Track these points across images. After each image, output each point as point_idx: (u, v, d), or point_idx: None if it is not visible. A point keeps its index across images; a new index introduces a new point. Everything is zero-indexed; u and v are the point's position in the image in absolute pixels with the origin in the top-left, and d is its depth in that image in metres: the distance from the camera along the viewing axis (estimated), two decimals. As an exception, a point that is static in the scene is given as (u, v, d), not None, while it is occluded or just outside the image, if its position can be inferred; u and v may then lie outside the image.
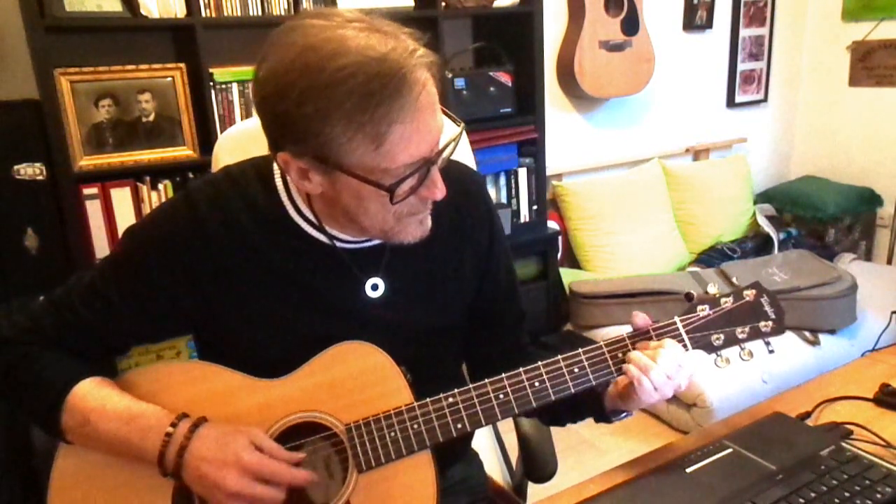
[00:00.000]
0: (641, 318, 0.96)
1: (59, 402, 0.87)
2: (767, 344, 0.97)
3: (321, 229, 0.93)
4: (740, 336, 0.96)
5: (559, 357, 0.92)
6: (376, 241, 0.96)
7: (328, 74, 0.74)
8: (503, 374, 0.91)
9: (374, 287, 0.97)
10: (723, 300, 0.96)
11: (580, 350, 0.92)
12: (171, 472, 0.85)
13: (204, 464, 0.83)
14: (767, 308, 0.97)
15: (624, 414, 0.99)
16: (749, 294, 0.97)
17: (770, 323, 0.96)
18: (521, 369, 0.91)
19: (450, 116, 0.87)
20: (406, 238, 0.89)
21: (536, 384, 0.91)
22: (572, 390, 0.91)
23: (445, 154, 0.85)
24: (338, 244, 0.94)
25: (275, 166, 0.94)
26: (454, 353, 1.11)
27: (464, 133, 1.30)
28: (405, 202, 0.84)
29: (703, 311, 0.96)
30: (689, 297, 0.98)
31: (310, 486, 0.91)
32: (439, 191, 0.86)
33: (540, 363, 0.91)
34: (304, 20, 0.79)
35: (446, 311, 1.03)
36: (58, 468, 0.90)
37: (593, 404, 0.99)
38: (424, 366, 0.97)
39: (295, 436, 0.91)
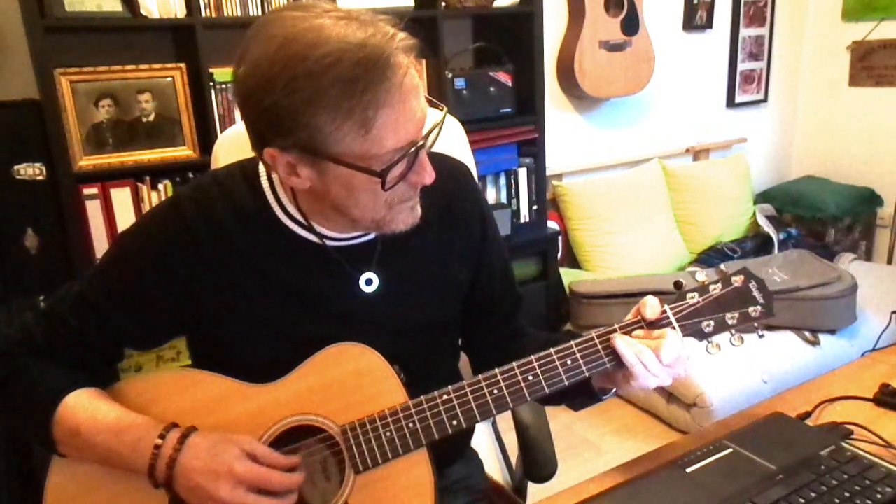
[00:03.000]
0: (650, 308, 0.94)
1: (50, 414, 0.86)
2: (757, 329, 0.97)
3: (310, 228, 0.93)
4: (730, 322, 0.96)
5: (551, 350, 0.92)
6: (367, 237, 0.96)
7: (311, 63, 0.75)
8: (496, 370, 0.91)
9: (369, 282, 0.97)
10: (711, 287, 0.96)
11: (572, 342, 0.92)
12: (161, 483, 0.84)
13: (196, 475, 0.82)
14: (756, 293, 0.97)
15: (613, 391, 0.98)
16: (737, 280, 0.97)
17: (759, 308, 0.96)
18: (514, 363, 0.91)
19: (432, 101, 0.87)
20: (398, 226, 0.89)
21: (530, 378, 0.91)
22: (566, 383, 0.91)
23: (432, 137, 0.85)
24: (328, 242, 0.94)
25: (261, 167, 0.94)
26: (449, 351, 1.11)
27: (463, 133, 1.32)
28: (395, 189, 0.84)
29: (693, 298, 0.96)
30: (677, 285, 0.98)
31: (307, 488, 0.91)
32: (428, 175, 0.86)
33: (532, 357, 0.91)
34: (281, 13, 0.80)
35: (441, 304, 1.03)
36: (52, 481, 0.90)
37: (581, 385, 0.97)
38: (420, 363, 0.97)
39: (290, 439, 0.90)
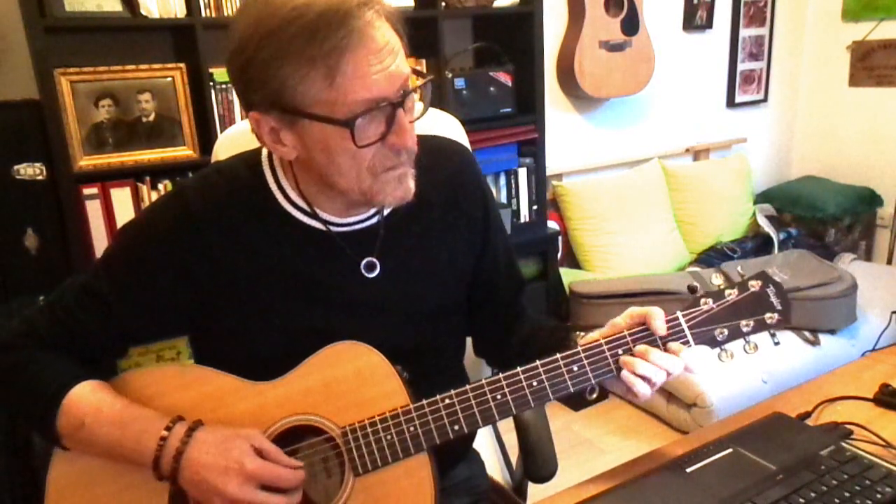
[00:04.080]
0: (659, 321, 0.92)
1: (55, 407, 0.86)
2: (773, 336, 0.94)
3: (313, 215, 0.93)
4: (745, 329, 0.93)
5: (558, 356, 0.90)
6: (370, 222, 0.96)
7: (280, 17, 0.78)
8: (500, 374, 0.90)
9: (371, 267, 0.96)
10: (727, 292, 0.93)
11: (579, 348, 0.91)
12: (166, 476, 0.84)
13: (204, 469, 0.82)
14: (773, 299, 0.94)
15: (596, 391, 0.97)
16: (755, 285, 0.94)
17: (776, 315, 0.93)
18: (518, 369, 0.90)
19: (418, 72, 0.88)
20: (387, 199, 0.89)
21: (535, 384, 0.90)
22: (571, 390, 0.91)
23: (413, 100, 0.85)
24: (331, 228, 0.94)
25: (263, 157, 0.95)
26: (455, 339, 1.11)
27: (464, 132, 1.32)
28: (375, 152, 0.84)
29: (707, 304, 0.93)
30: (692, 289, 0.95)
31: (309, 485, 0.91)
32: (409, 137, 0.85)
33: (538, 362, 0.90)
34: None
35: (444, 289, 1.03)
36: (54, 473, 0.90)
37: None
38: (424, 354, 0.97)
39: (291, 439, 0.90)
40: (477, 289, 1.08)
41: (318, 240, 0.94)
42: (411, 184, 0.90)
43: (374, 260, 0.96)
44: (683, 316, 0.93)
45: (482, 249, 1.06)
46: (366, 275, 0.96)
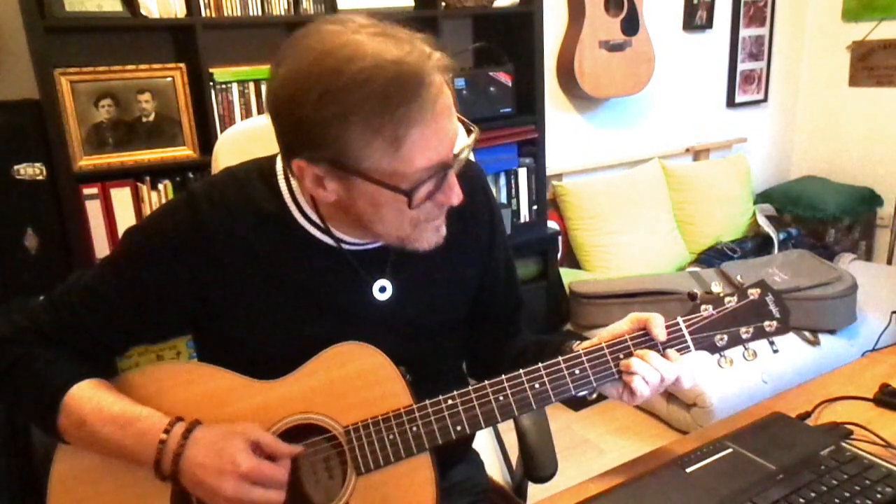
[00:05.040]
0: (659, 328, 0.93)
1: (56, 404, 0.86)
2: (772, 343, 0.96)
3: (327, 231, 0.93)
4: (744, 336, 0.94)
5: (560, 358, 0.91)
6: (380, 243, 0.96)
7: (346, 78, 0.74)
8: (503, 376, 0.90)
9: (382, 289, 0.97)
10: (727, 299, 0.95)
11: (581, 351, 0.92)
12: (167, 477, 0.84)
13: (200, 470, 0.82)
14: (772, 307, 0.96)
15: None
16: (754, 293, 0.96)
17: (775, 322, 0.95)
18: (521, 371, 0.90)
19: (464, 123, 0.86)
20: (422, 245, 0.89)
21: (537, 386, 0.90)
22: (573, 392, 0.91)
23: (462, 158, 0.84)
24: (344, 246, 0.94)
25: (278, 167, 0.94)
26: (456, 349, 1.11)
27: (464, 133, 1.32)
28: (422, 208, 0.84)
29: (707, 310, 0.94)
30: (692, 296, 0.96)
31: (311, 485, 0.91)
32: (455, 196, 0.85)
33: (540, 364, 0.90)
34: (318, 25, 0.80)
35: (451, 305, 1.03)
36: (56, 470, 0.90)
37: None
38: (427, 363, 0.97)
39: (294, 437, 0.90)
40: (475, 305, 1.08)
41: (329, 256, 0.93)
42: (444, 229, 0.90)
43: (387, 282, 0.96)
44: (684, 321, 0.94)
45: (484, 267, 1.06)
46: (377, 297, 0.96)
